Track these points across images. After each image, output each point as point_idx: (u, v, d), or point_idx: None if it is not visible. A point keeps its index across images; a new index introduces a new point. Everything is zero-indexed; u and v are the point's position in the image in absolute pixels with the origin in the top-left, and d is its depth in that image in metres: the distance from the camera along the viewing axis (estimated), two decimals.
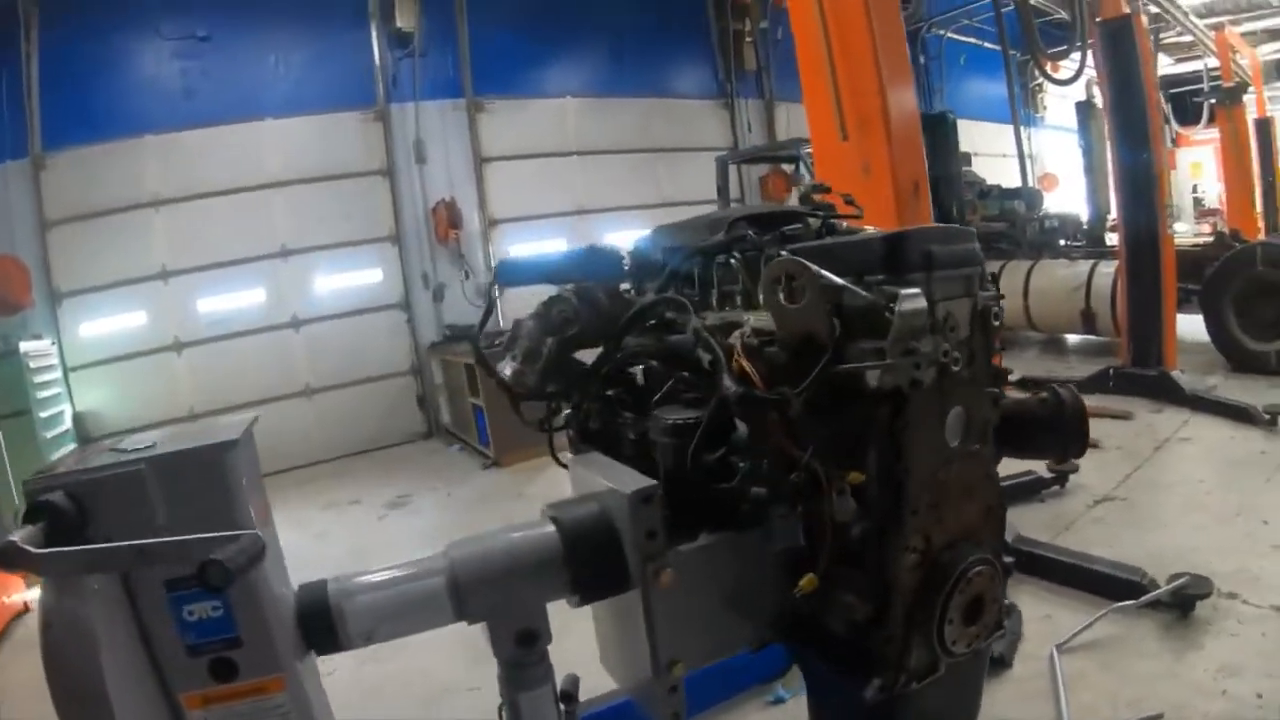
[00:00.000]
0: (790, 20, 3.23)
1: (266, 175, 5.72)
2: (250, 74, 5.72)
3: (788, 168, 7.63)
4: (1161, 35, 10.85)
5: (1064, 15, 10.81)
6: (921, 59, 10.31)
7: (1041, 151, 12.46)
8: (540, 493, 4.29)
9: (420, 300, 6.24)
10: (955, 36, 10.84)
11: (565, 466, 1.04)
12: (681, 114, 7.77)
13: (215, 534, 0.61)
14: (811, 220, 1.11)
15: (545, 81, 6.95)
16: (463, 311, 6.21)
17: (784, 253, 0.85)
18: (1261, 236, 7.67)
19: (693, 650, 0.85)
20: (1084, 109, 9.73)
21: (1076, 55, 5.31)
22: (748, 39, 8.01)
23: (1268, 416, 3.82)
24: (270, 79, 5.76)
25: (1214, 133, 10.87)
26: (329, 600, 0.74)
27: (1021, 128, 9.38)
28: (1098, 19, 5.72)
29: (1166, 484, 3.39)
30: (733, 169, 7.23)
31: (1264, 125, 11.25)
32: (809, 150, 5.62)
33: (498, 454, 5.03)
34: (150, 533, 0.65)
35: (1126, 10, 6.01)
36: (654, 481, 0.81)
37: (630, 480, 0.83)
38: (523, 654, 0.81)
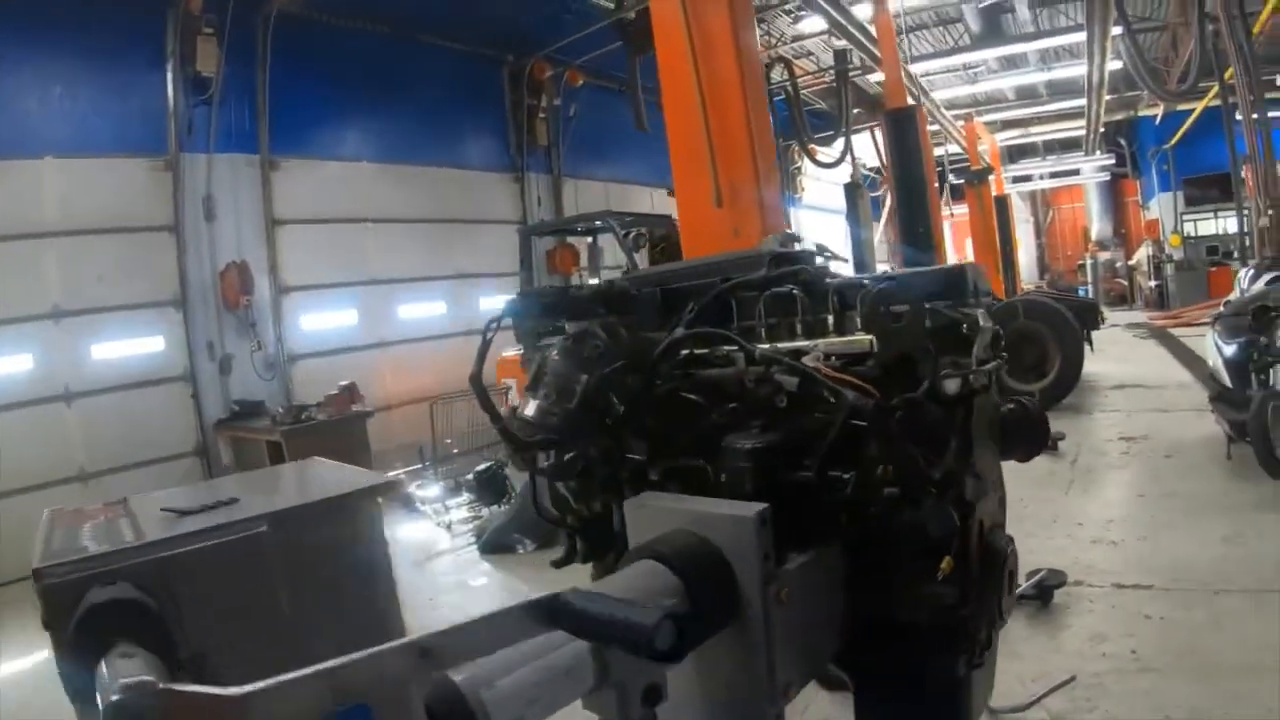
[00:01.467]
0: (663, 96, 5.56)
1: (41, 223, 7.20)
2: (29, 104, 7.22)
3: (573, 240, 11.24)
4: None
5: (823, 105, 16.89)
6: None
7: (799, 227, 18.50)
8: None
9: (205, 372, 8.10)
10: None
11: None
12: (474, 185, 11.02)
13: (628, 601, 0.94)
14: (819, 260, 1.92)
15: (342, 144, 9.57)
16: (252, 386, 8.29)
17: (866, 282, 1.61)
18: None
19: (797, 671, 1.25)
20: (851, 190, 15.40)
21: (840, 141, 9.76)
22: (541, 115, 11.57)
23: (1050, 443, 5.58)
24: (54, 113, 7.33)
25: (962, 209, 18.38)
26: (465, 697, 0.88)
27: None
28: (884, 108, 10.50)
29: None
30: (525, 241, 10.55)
31: (1002, 203, 19.33)
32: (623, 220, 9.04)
33: None
34: (267, 608, 0.89)
35: (911, 102, 11.02)
36: (764, 504, 1.22)
37: (724, 507, 1.26)
38: (648, 715, 1.03)
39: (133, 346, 7.74)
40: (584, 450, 1.60)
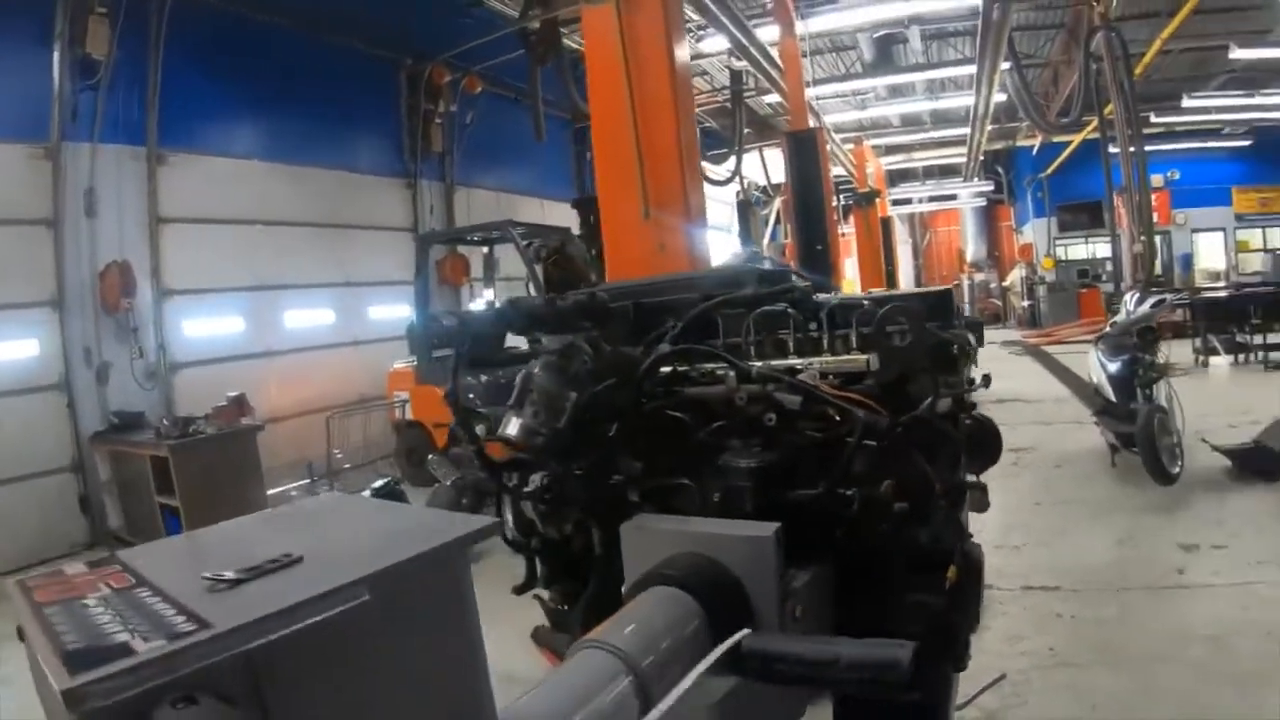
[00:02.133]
0: (591, 106, 5.95)
1: None
2: None
3: (464, 250, 11.68)
4: None
5: (713, 124, 17.92)
6: (587, 154, 15.88)
7: None
8: None
9: (82, 380, 8.04)
10: None
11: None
12: (366, 190, 11.29)
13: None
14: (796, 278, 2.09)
15: (234, 140, 9.65)
16: (131, 396, 8.27)
17: (866, 303, 1.76)
18: None
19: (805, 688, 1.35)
20: (743, 208, 16.42)
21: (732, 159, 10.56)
22: (437, 120, 11.98)
23: None
24: None
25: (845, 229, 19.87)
26: None
27: None
28: (785, 129, 11.35)
29: None
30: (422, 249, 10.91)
31: (885, 224, 21.08)
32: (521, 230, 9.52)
33: None
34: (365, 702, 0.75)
35: (812, 125, 11.94)
36: (776, 524, 1.31)
37: (736, 528, 1.34)
38: None
39: (3, 351, 7.64)
40: (571, 470, 1.65)
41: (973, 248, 31.16)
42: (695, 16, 10.44)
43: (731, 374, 1.66)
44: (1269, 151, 23.59)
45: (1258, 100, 19.36)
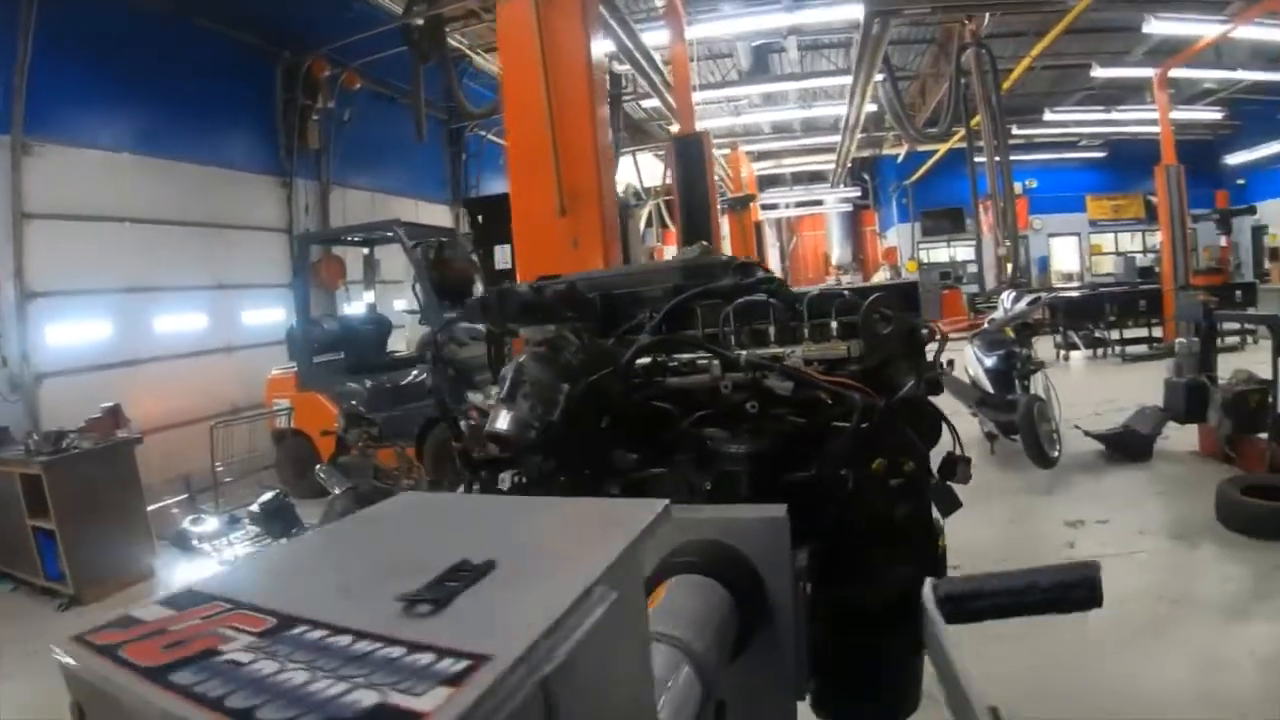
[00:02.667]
0: (505, 100, 6.11)
1: None
2: None
3: (339, 251, 11.80)
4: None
5: None
6: (463, 155, 16.27)
7: None
8: None
9: None
10: (494, 139, 17.17)
11: None
12: (240, 188, 11.18)
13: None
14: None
15: (105, 131, 9.43)
16: None
17: (847, 294, 1.80)
18: None
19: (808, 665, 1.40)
20: (622, 210, 16.83)
21: None
22: (314, 117, 12.03)
23: None
24: None
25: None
26: None
27: None
28: (674, 134, 11.85)
29: None
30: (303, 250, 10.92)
31: (757, 228, 22.07)
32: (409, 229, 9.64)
33: (78, 588, 6.66)
34: None
35: (698, 129, 12.52)
36: (783, 505, 1.36)
37: (747, 511, 1.37)
38: None
39: None
40: (564, 464, 1.69)
41: (838, 251, 33.03)
42: None
43: (716, 363, 1.73)
44: (1122, 162, 26.16)
45: (1114, 115, 21.49)
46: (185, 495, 8.94)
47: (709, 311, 1.98)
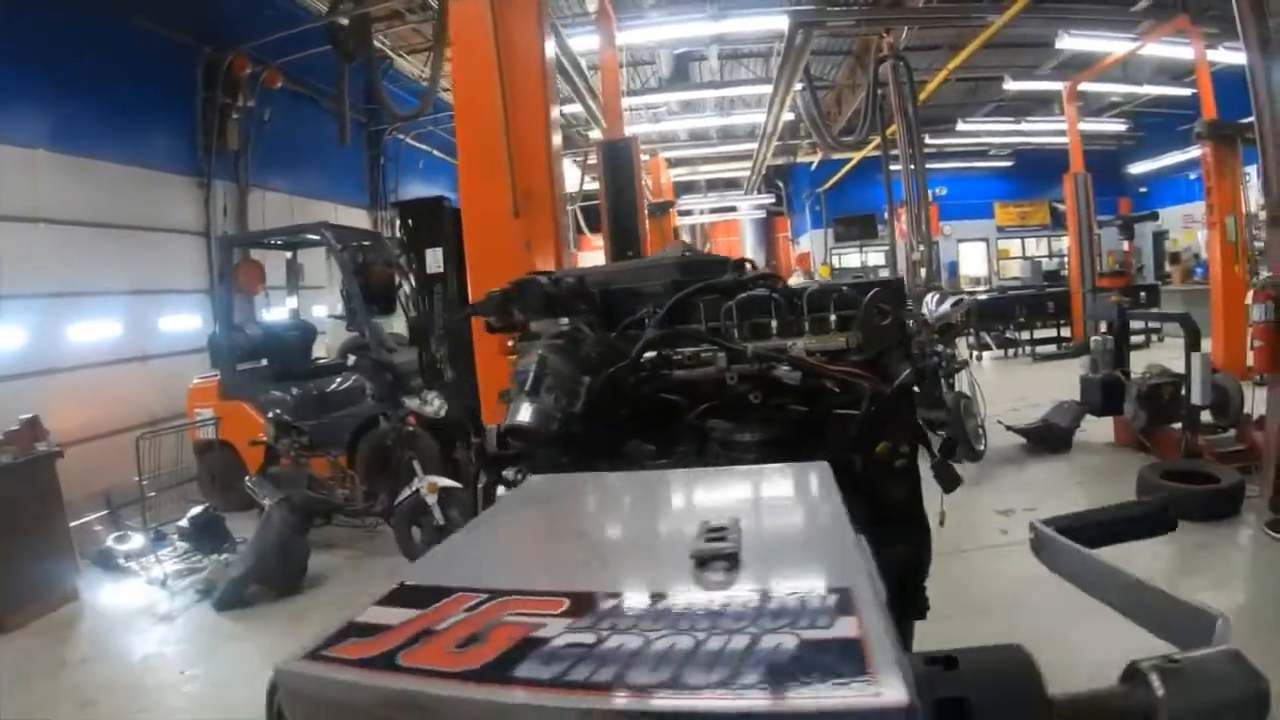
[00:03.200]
0: (456, 99, 5.96)
1: None
2: None
3: (258, 256, 11.44)
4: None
5: None
6: (382, 160, 15.95)
7: None
8: (93, 653, 5.87)
9: None
10: (413, 143, 16.92)
11: None
12: (157, 188, 10.66)
13: None
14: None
15: (16, 125, 8.87)
16: None
17: (845, 289, 1.94)
18: None
19: None
20: None
21: None
22: (234, 116, 11.63)
23: None
24: None
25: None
26: None
27: None
28: (603, 139, 11.78)
29: None
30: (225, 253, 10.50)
31: (676, 234, 22.18)
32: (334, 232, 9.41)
33: (1, 614, 6.33)
34: None
35: (627, 134, 12.49)
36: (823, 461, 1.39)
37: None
38: None
39: None
40: (581, 456, 1.70)
41: (751, 257, 33.44)
42: None
43: (721, 355, 1.81)
44: (1029, 171, 27.45)
45: (1024, 126, 22.38)
46: (106, 511, 8.54)
47: (710, 306, 2.04)
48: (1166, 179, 25.60)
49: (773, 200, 30.36)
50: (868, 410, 1.67)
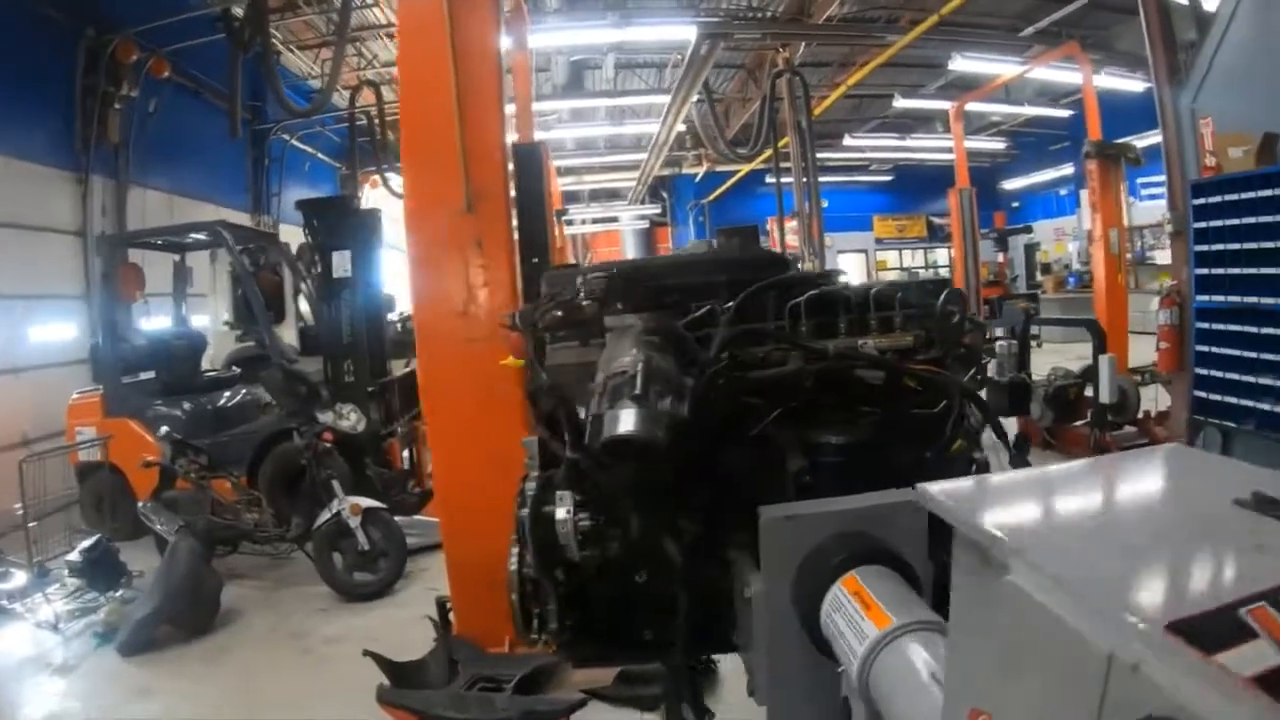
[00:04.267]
0: (402, 89, 5.56)
1: None
2: None
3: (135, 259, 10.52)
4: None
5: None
6: (266, 161, 15.03)
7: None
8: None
9: None
10: (299, 145, 16.05)
11: None
12: (28, 182, 9.50)
13: None
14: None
15: None
16: None
17: (912, 288, 1.95)
18: None
19: None
20: None
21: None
22: (116, 106, 10.63)
23: None
24: None
25: None
26: None
27: None
28: (513, 142, 11.44)
29: None
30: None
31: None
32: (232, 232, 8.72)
33: None
34: None
35: (537, 138, 12.14)
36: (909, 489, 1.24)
37: (889, 498, 1.41)
38: None
39: None
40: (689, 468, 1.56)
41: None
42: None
43: (795, 354, 1.70)
44: (907, 186, 28.70)
45: (908, 142, 23.16)
46: None
47: (770, 304, 1.96)
48: (1038, 194, 27.24)
49: (659, 210, 30.44)
50: (959, 410, 1.64)
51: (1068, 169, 24.70)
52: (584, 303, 1.84)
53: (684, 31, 13.12)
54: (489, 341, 5.15)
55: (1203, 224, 7.09)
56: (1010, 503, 0.96)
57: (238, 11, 10.20)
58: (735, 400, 1.65)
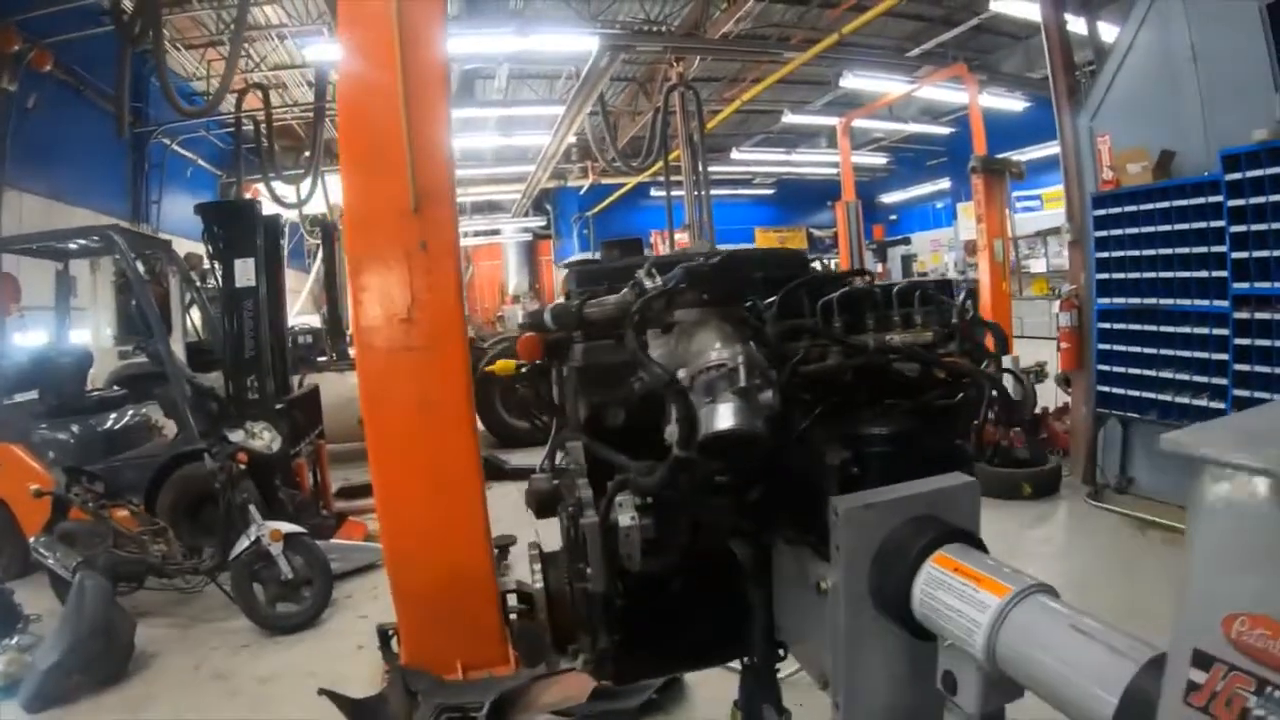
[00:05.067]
0: (342, 81, 5.24)
1: None
2: None
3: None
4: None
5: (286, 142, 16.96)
6: (146, 166, 14.15)
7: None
8: None
9: None
10: (180, 150, 15.19)
11: None
12: None
13: None
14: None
15: None
16: None
17: (931, 287, 1.94)
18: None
19: None
20: (328, 231, 15.53)
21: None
22: None
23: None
24: None
25: None
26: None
27: None
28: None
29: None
30: None
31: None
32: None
33: None
34: None
35: None
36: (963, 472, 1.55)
37: (945, 482, 1.50)
38: None
39: None
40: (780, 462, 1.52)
41: (514, 280, 33.00)
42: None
43: (835, 349, 1.71)
44: (789, 199, 29.55)
45: (794, 156, 23.65)
46: None
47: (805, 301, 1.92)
48: (915, 208, 28.25)
49: (544, 222, 30.24)
50: (989, 400, 1.69)
51: (944, 183, 25.88)
52: (663, 296, 1.68)
53: (586, 42, 12.95)
54: (433, 350, 4.91)
55: (1103, 233, 7.45)
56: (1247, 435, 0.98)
57: (128, 4, 9.50)
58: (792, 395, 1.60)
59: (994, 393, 1.74)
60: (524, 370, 2.26)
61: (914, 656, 1.41)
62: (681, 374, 1.46)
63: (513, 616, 4.85)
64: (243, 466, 6.92)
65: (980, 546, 1.34)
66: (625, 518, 1.49)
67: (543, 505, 1.90)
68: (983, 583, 1.20)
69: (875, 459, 1.56)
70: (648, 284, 1.66)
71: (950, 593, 1.23)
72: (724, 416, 1.38)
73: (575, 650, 1.83)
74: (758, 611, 1.65)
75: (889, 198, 28.93)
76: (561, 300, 2.05)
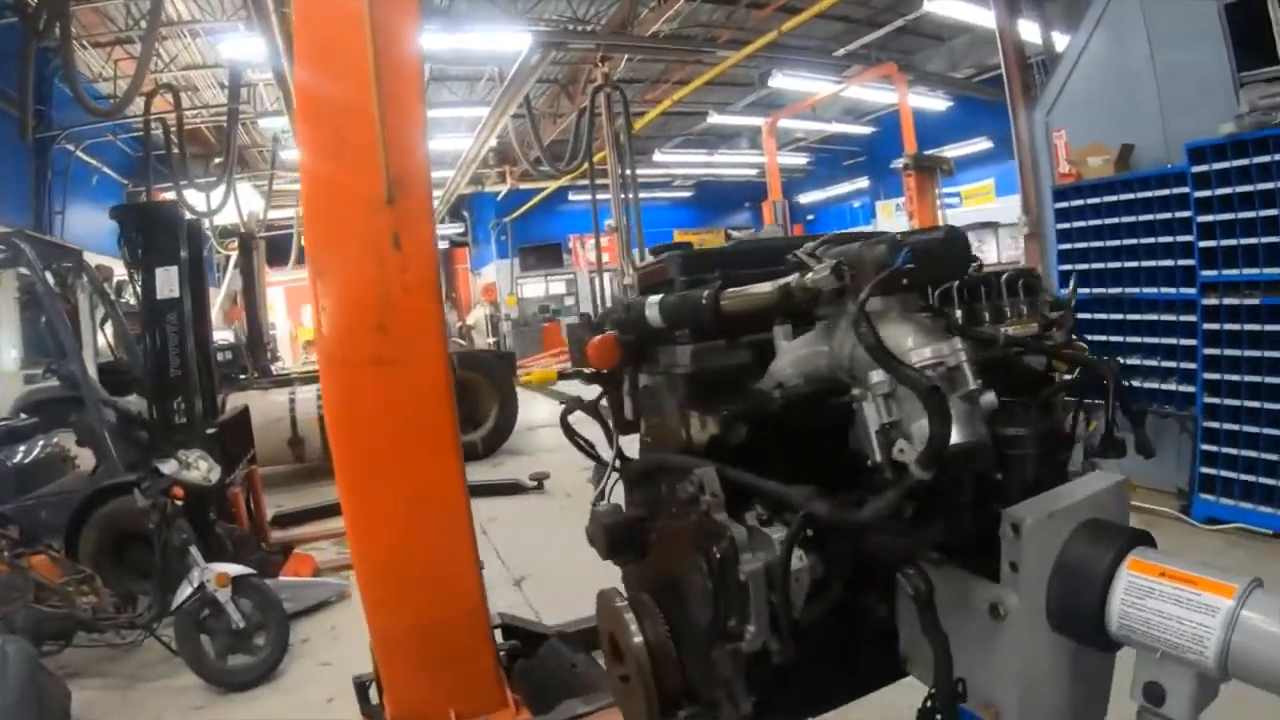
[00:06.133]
0: (306, 71, 4.71)
1: None
2: None
3: None
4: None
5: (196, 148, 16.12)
6: (49, 173, 13.13)
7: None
8: None
9: None
10: (84, 157, 14.19)
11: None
12: None
13: None
14: None
15: None
16: None
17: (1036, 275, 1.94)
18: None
19: None
20: (245, 241, 14.78)
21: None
22: None
23: (534, 483, 8.89)
24: None
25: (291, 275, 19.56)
26: None
27: None
28: None
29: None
30: None
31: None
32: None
33: None
34: None
35: None
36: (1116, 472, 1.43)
37: (1097, 483, 1.41)
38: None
39: None
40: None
41: None
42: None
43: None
44: (708, 200, 29.58)
45: (716, 158, 23.57)
46: None
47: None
48: (832, 207, 28.50)
49: (462, 229, 29.61)
50: (1114, 396, 1.54)
51: (863, 182, 26.18)
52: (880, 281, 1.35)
53: (519, 40, 12.47)
54: (408, 363, 4.38)
55: (1065, 225, 7.38)
56: None
57: None
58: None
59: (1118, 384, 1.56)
60: (594, 379, 2.01)
61: (1086, 670, 1.32)
62: (875, 376, 1.24)
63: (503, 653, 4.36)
64: (179, 502, 5.99)
65: (1154, 543, 1.24)
66: (794, 559, 1.32)
67: (616, 544, 1.64)
68: (1201, 585, 1.11)
69: (1020, 463, 1.35)
70: (814, 267, 1.38)
71: (1164, 599, 1.13)
72: (961, 426, 1.17)
73: (688, 717, 1.54)
74: (938, 653, 1.32)
75: (806, 198, 29.10)
76: (635, 295, 1.78)
